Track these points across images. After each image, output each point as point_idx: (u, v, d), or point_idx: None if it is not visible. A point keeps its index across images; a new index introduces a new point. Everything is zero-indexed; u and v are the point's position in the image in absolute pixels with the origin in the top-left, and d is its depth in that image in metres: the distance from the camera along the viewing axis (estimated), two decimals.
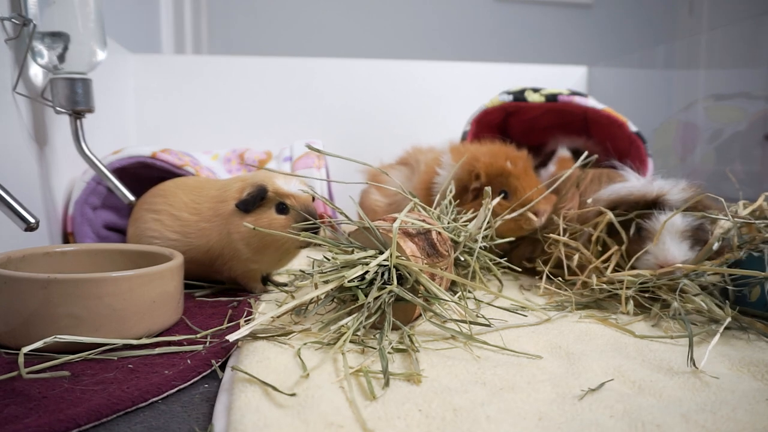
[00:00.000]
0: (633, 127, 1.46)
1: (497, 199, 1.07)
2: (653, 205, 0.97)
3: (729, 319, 0.79)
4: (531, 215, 1.09)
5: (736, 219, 0.91)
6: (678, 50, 1.92)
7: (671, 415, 0.54)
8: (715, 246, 0.91)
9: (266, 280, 1.05)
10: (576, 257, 1.00)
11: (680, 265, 0.89)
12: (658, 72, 2.03)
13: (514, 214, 1.06)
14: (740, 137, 1.63)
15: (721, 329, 0.76)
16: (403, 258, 0.77)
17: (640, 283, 0.92)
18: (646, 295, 0.92)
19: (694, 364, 0.67)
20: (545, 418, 0.54)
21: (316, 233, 0.92)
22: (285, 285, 1.03)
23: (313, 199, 0.98)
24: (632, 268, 0.95)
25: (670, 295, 0.88)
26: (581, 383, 0.62)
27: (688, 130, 1.81)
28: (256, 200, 0.92)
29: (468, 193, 1.14)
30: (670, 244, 0.93)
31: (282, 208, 0.93)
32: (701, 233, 0.95)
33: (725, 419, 0.53)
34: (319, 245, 0.87)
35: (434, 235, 0.86)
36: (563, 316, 0.88)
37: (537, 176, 1.22)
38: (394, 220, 0.80)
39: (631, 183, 1.03)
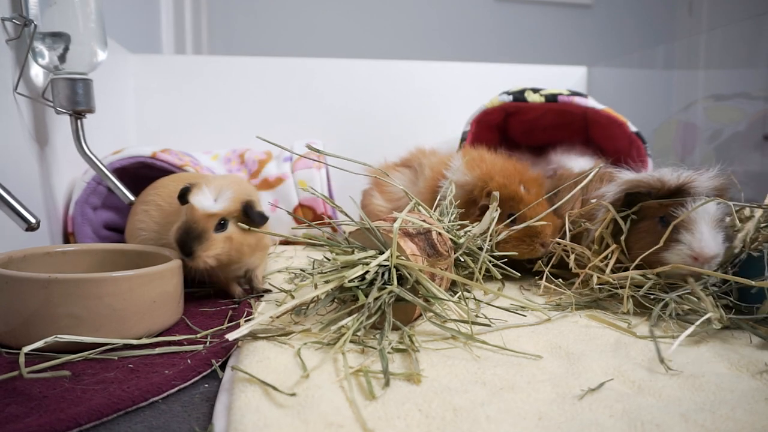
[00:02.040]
0: (633, 128, 1.46)
1: (495, 206, 1.06)
2: (674, 194, 0.93)
3: (713, 315, 0.79)
4: (539, 246, 1.10)
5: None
6: (678, 50, 1.92)
7: (671, 415, 0.54)
8: (738, 241, 0.90)
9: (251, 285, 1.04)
10: (572, 257, 1.00)
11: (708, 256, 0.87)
12: (658, 72, 2.03)
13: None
14: (740, 137, 1.63)
15: (692, 328, 0.76)
16: (403, 258, 0.77)
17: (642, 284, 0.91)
18: (652, 297, 0.91)
19: (663, 362, 0.68)
20: (545, 418, 0.54)
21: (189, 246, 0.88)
22: (269, 291, 1.02)
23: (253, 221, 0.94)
24: (658, 261, 0.91)
25: (668, 296, 0.88)
26: (581, 383, 0.62)
27: (687, 130, 1.81)
28: (181, 195, 0.91)
29: (475, 208, 1.13)
30: (708, 234, 0.88)
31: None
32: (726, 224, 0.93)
33: (724, 419, 0.54)
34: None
35: (434, 235, 0.86)
36: (563, 316, 0.88)
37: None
38: (395, 220, 0.80)
39: (647, 172, 1.00)
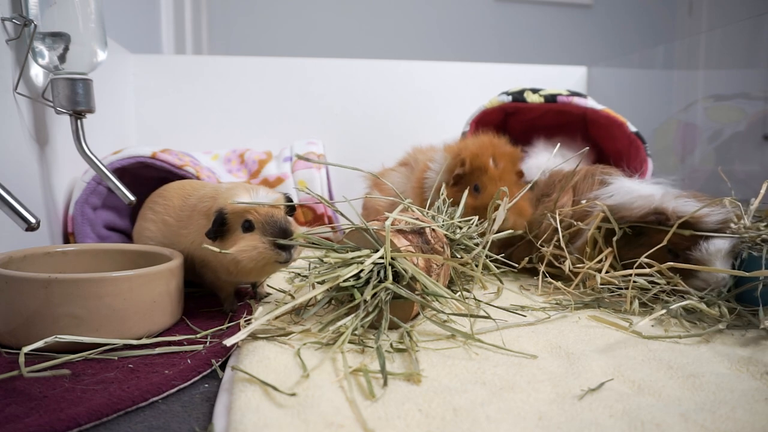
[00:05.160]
0: (632, 128, 1.46)
1: (506, 203, 1.05)
2: (684, 226, 0.93)
3: (693, 301, 0.80)
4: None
5: (744, 229, 0.93)
6: (678, 50, 1.92)
7: (670, 415, 0.54)
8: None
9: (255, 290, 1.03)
10: (567, 263, 1.00)
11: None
12: (658, 72, 2.03)
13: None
14: (739, 137, 1.63)
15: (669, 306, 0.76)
16: (396, 253, 0.77)
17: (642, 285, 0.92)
18: (655, 296, 0.92)
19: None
20: (545, 417, 0.54)
21: (288, 246, 0.83)
22: (268, 294, 1.00)
23: (292, 210, 0.91)
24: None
25: (672, 297, 0.89)
26: (581, 383, 0.62)
27: (688, 130, 1.81)
28: (217, 227, 0.84)
29: (449, 177, 1.14)
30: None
31: (247, 226, 0.84)
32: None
33: (724, 418, 0.54)
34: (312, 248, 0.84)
35: (428, 232, 0.86)
36: (563, 316, 0.88)
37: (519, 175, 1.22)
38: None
39: (650, 190, 1.01)
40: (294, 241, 0.83)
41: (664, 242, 0.92)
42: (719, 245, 0.91)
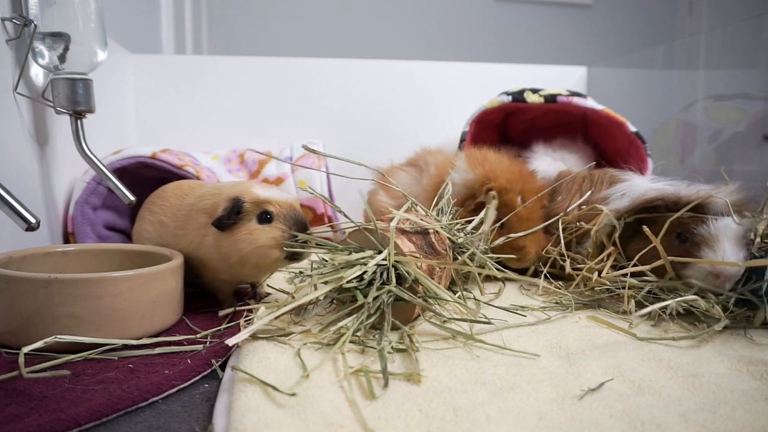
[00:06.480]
0: (632, 128, 1.46)
1: (495, 204, 1.05)
2: (692, 209, 0.90)
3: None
4: (516, 261, 1.09)
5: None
6: (678, 50, 1.92)
7: (670, 415, 0.54)
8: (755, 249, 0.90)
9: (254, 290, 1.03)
10: (568, 262, 1.00)
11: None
12: (658, 72, 2.03)
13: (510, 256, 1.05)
14: (740, 137, 1.63)
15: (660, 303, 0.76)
16: (400, 256, 0.77)
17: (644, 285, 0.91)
18: (653, 296, 0.91)
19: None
20: (545, 417, 0.54)
21: (304, 244, 0.84)
22: (268, 294, 1.01)
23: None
24: (681, 275, 0.90)
25: (669, 295, 0.89)
26: (581, 383, 0.62)
27: (688, 130, 1.81)
28: (232, 216, 0.84)
29: (471, 202, 1.13)
30: (730, 253, 0.86)
31: (264, 218, 0.84)
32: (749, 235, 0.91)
33: (724, 418, 0.54)
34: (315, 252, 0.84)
35: (432, 234, 0.86)
36: (563, 316, 0.88)
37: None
38: (392, 219, 0.80)
39: (663, 185, 0.99)
40: (309, 237, 0.84)
41: (666, 225, 0.90)
42: (727, 222, 0.87)
